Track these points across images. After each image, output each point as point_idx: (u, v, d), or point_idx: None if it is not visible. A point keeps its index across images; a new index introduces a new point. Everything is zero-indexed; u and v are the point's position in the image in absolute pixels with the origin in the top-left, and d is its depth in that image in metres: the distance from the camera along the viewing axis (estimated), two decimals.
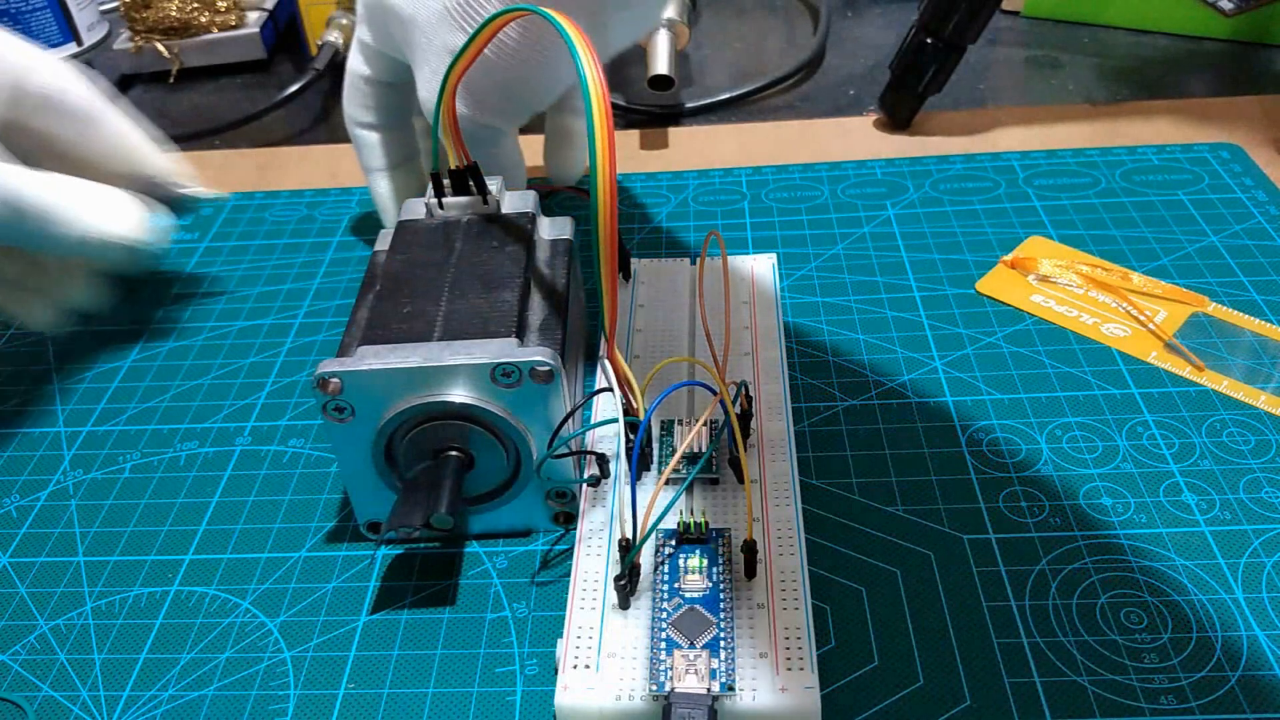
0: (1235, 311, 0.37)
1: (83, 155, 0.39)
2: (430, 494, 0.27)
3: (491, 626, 0.29)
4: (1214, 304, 0.37)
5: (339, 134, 0.56)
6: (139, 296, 0.43)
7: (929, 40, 0.47)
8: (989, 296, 0.39)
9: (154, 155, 0.41)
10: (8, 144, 0.36)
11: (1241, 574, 0.28)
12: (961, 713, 0.25)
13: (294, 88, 0.56)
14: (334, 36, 0.58)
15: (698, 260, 0.38)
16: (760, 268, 0.38)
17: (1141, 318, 0.37)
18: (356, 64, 0.40)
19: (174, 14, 0.61)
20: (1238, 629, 0.27)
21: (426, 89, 0.36)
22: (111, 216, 0.37)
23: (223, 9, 0.62)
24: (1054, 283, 0.39)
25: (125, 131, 0.40)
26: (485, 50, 0.34)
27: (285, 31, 0.67)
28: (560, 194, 0.46)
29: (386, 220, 0.42)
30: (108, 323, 0.42)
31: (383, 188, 0.42)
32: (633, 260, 0.38)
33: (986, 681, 0.26)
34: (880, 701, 0.26)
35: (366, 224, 0.47)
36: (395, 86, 0.40)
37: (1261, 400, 0.33)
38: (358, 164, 0.42)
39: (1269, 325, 0.36)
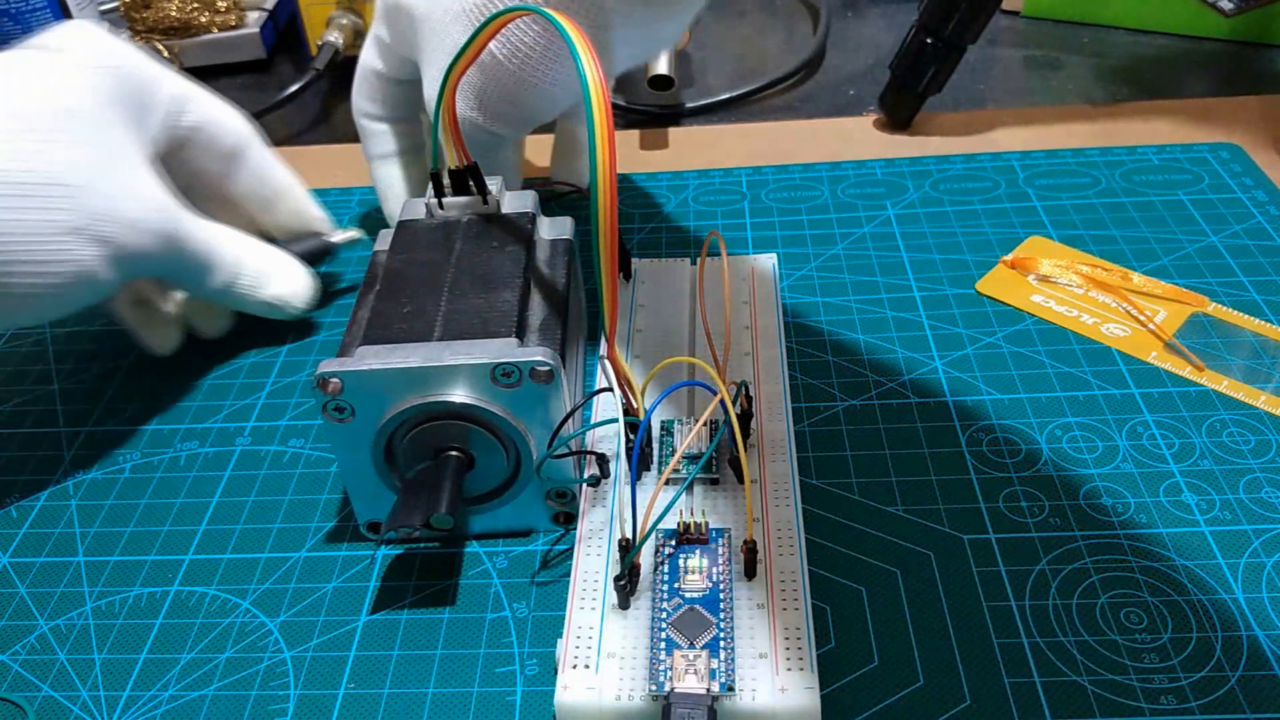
0: (1235, 311, 0.37)
1: (228, 192, 0.39)
2: (430, 494, 0.27)
3: (491, 626, 0.29)
4: (1214, 304, 0.37)
5: (339, 134, 0.56)
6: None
7: (929, 40, 0.47)
8: (989, 296, 0.39)
9: (304, 201, 0.41)
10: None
11: (1241, 574, 0.28)
12: (961, 713, 0.25)
13: (294, 88, 0.56)
14: (334, 36, 0.58)
15: (698, 260, 0.38)
16: (760, 268, 0.38)
17: (1141, 318, 0.37)
18: (370, 58, 0.40)
19: (174, 14, 0.61)
20: (1238, 629, 0.27)
21: (434, 89, 0.36)
22: (275, 280, 0.38)
23: (223, 9, 0.62)
24: (1054, 283, 0.39)
25: (275, 174, 0.40)
26: (498, 57, 0.34)
27: (285, 31, 0.67)
28: (562, 194, 0.46)
29: (387, 209, 0.42)
30: (108, 322, 0.42)
31: (384, 175, 0.42)
32: (633, 260, 0.38)
33: (986, 681, 0.26)
34: (880, 701, 0.26)
35: (366, 224, 0.47)
36: (406, 83, 0.40)
37: (1261, 400, 0.33)
38: (357, 165, 0.43)
39: (1269, 325, 0.36)
